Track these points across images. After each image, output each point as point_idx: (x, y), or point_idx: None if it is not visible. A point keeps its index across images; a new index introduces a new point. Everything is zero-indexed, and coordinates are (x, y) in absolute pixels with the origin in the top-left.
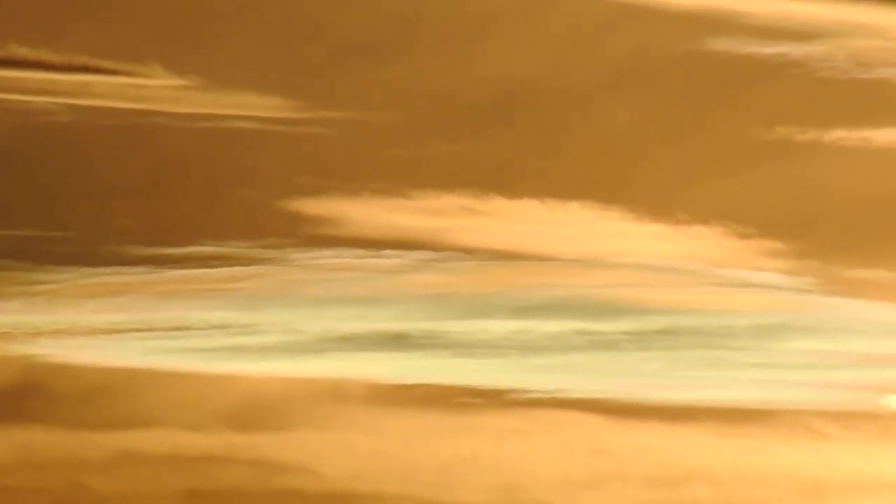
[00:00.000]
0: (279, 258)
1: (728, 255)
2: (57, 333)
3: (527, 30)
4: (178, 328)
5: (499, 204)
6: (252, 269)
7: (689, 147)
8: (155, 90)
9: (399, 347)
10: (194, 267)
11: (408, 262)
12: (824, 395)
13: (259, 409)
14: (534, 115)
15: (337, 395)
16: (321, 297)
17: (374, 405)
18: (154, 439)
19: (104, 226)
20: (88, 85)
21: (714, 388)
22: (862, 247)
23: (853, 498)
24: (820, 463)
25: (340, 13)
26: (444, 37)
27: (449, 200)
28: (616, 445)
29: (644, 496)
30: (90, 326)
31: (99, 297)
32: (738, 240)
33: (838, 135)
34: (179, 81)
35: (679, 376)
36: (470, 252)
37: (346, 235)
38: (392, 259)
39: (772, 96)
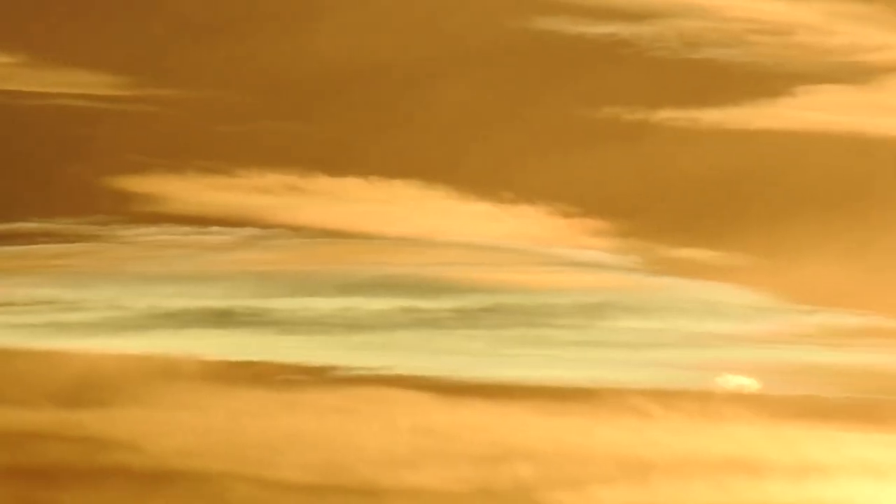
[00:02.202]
0: (105, 235)
1: (552, 234)
2: None
3: (360, 10)
4: (2, 304)
5: (323, 182)
6: (78, 245)
7: (517, 127)
8: None
9: (224, 324)
10: (20, 244)
11: (233, 239)
12: (647, 374)
13: (87, 386)
14: (364, 93)
15: (164, 372)
16: (147, 274)
17: (201, 382)
18: None
19: None
20: None
21: (538, 367)
22: (687, 227)
23: (674, 475)
24: (642, 441)
25: None
26: (279, 16)
27: (274, 178)
28: (440, 423)
29: (467, 474)
30: None
31: None
32: (563, 219)
33: (666, 115)
34: (8, 59)
35: (503, 354)
36: (295, 230)
37: (172, 212)
38: (218, 236)
39: (601, 76)
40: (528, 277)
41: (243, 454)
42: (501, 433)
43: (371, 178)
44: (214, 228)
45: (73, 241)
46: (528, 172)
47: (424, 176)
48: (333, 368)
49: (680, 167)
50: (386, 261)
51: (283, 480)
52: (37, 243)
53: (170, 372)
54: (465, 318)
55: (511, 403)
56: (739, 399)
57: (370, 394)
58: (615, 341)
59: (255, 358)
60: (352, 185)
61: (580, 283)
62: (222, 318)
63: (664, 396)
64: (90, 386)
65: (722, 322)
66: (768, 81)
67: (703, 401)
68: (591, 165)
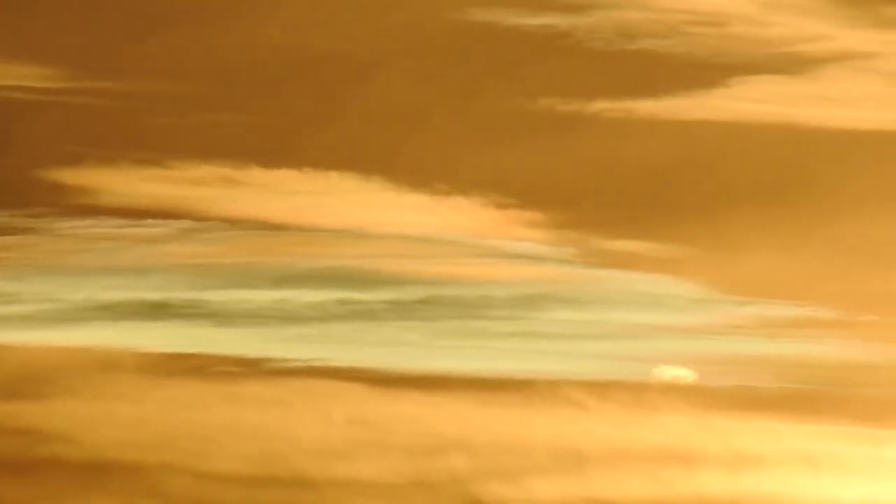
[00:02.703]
0: (41, 228)
1: (488, 226)
2: None
3: (298, 2)
4: None
5: (258, 174)
6: (14, 238)
7: (453, 118)
8: None
9: (160, 316)
10: None
11: (168, 231)
12: (583, 366)
13: (23, 379)
14: (300, 85)
15: (101, 364)
16: (83, 267)
17: (137, 375)
18: None
19: None
20: None
21: (473, 359)
22: (623, 218)
23: (610, 467)
24: (577, 432)
25: None
26: (222, 7)
27: (209, 170)
28: (375, 415)
29: (402, 466)
30: None
31: None
32: (498, 210)
33: (602, 106)
34: None
35: (438, 346)
36: (231, 222)
37: (107, 205)
38: (153, 228)
39: (537, 68)
40: (463, 269)
41: (179, 446)
42: (436, 425)
43: (306, 170)
44: (149, 221)
45: (8, 234)
46: (463, 164)
47: (360, 168)
48: (269, 360)
49: (616, 158)
50: (321, 253)
51: (218, 472)
52: None
53: (106, 364)
54: (401, 310)
55: (446, 395)
56: (675, 390)
57: (305, 385)
58: (551, 333)
59: (191, 350)
60: (287, 177)
61: (516, 275)
62: (158, 311)
63: (600, 388)
64: (26, 378)
65: (658, 314)
66: (704, 72)
67: (638, 392)
68: (526, 157)
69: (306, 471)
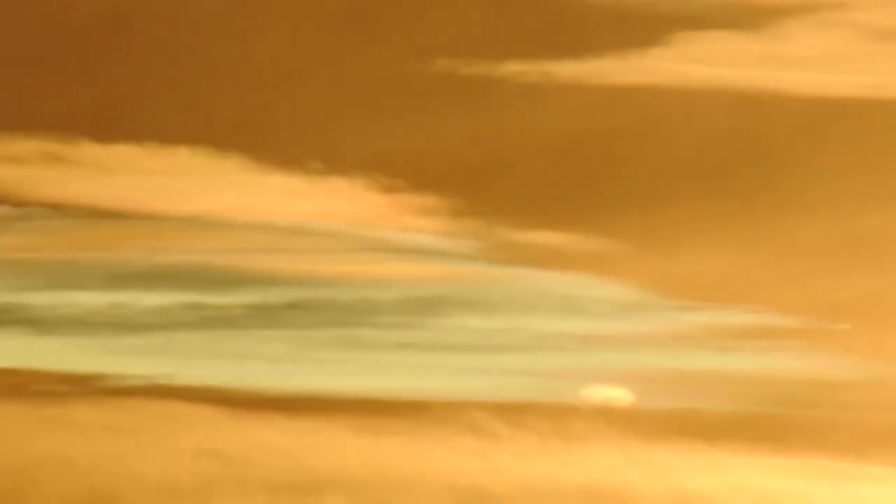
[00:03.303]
0: None
1: (373, 213)
2: None
3: None
4: None
5: (89, 150)
6: None
7: (330, 84)
8: None
9: None
10: None
11: None
12: (490, 384)
13: None
14: (140, 43)
15: None
16: None
17: None
18: None
19: None
20: None
21: (353, 376)
22: (538, 205)
23: None
24: (483, 467)
25: None
26: None
27: (29, 146)
28: (232, 444)
29: None
30: None
31: None
32: (385, 194)
33: (513, 68)
34: None
35: (311, 360)
36: (56, 207)
37: None
38: None
39: (432, 22)
40: (341, 266)
41: None
42: (308, 456)
43: (148, 146)
44: None
45: None
46: (341, 139)
47: (215, 143)
48: (102, 377)
49: (530, 132)
50: (167, 246)
51: None
52: None
53: None
54: (264, 316)
55: (320, 420)
56: (604, 415)
57: (147, 408)
58: (450, 344)
59: (6, 364)
60: (125, 154)
61: (406, 274)
62: None
63: (511, 412)
64: None
65: (582, 321)
66: (639, 27)
67: (558, 417)
68: (420, 130)
69: None
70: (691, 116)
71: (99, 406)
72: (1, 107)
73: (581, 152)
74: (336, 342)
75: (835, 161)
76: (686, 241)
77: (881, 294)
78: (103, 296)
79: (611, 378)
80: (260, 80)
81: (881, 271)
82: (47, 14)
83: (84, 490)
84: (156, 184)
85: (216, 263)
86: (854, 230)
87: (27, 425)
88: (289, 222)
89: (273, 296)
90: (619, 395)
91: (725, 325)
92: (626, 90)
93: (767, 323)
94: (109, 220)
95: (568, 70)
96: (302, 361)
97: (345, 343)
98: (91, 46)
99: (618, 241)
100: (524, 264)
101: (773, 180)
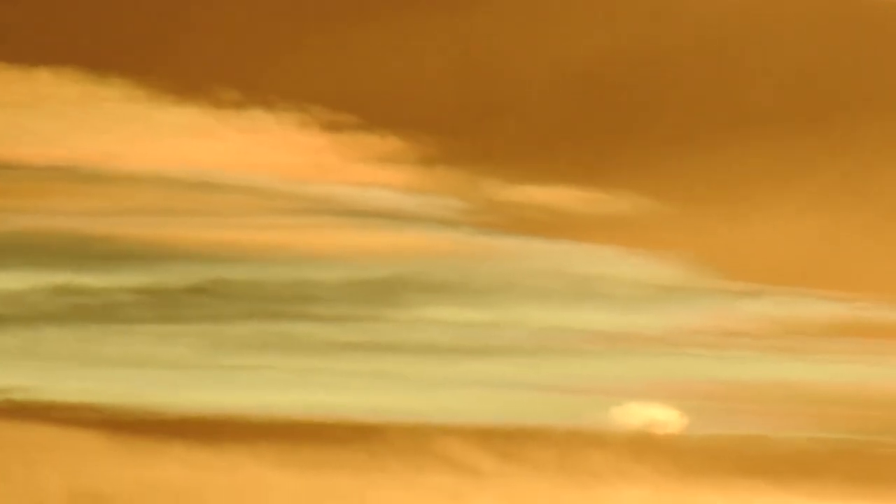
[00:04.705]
0: None
1: (310, 162)
2: None
3: None
4: None
5: None
6: None
7: None
8: None
9: None
10: None
11: None
12: (471, 402)
13: None
14: None
15: None
16: None
17: None
18: None
19: None
20: None
21: (283, 389)
22: (544, 150)
23: None
24: None
25: None
26: None
27: None
28: (115, 484)
29: None
30: None
31: None
32: (329, 135)
33: None
34: None
35: (224, 367)
36: None
37: None
38: None
39: None
40: (266, 236)
41: None
42: (217, 498)
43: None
44: None
45: None
46: (269, 59)
47: (90, 64)
48: None
49: (536, 50)
50: (23, 207)
51: None
52: None
53: None
54: (160, 306)
55: (237, 451)
56: (631, 444)
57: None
58: (417, 344)
59: None
60: None
61: (358, 246)
62: None
63: (500, 440)
64: None
65: (605, 312)
66: None
67: (568, 448)
68: (380, 46)
69: None
70: (771, 36)
71: None
72: None
73: (608, 79)
74: (258, 342)
75: None
76: (752, 203)
77: None
78: None
79: (644, 393)
80: None
81: None
82: None
83: None
84: (4, 121)
85: (92, 231)
86: None
87: None
88: (192, 174)
89: (172, 276)
90: (664, 419)
91: (804, 318)
92: None
93: (862, 317)
94: None
95: None
96: (211, 369)
97: (271, 344)
98: None
99: (656, 200)
100: (523, 232)
101: (876, 125)
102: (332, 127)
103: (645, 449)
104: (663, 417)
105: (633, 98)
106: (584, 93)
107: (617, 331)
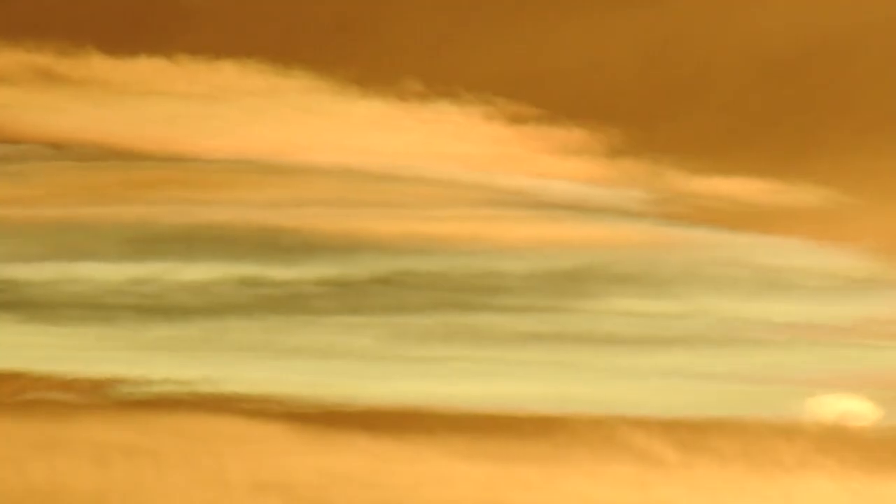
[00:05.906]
0: None
1: (496, 153)
2: None
3: None
4: None
5: (99, 65)
6: None
7: None
8: None
9: None
10: None
11: None
12: (656, 393)
13: None
14: None
15: None
16: None
17: None
18: None
19: None
20: None
21: (468, 380)
22: (732, 141)
23: None
24: (644, 502)
25: None
26: None
27: (18, 57)
28: (299, 474)
29: None
30: None
31: None
32: (513, 126)
33: None
34: None
35: (409, 359)
36: (54, 146)
37: None
38: None
39: None
40: (452, 227)
41: None
42: (403, 491)
43: (179, 60)
44: None
45: None
46: (452, 49)
47: (274, 56)
48: (119, 382)
49: (724, 39)
50: (208, 199)
51: None
52: None
53: None
54: (345, 297)
55: (421, 442)
56: (823, 438)
57: (182, 425)
58: (602, 335)
59: None
60: (145, 70)
61: (544, 237)
62: None
63: (685, 430)
64: None
65: (793, 302)
66: None
67: (753, 439)
68: (562, 39)
69: None
70: None
71: (115, 422)
72: None
73: (801, 67)
74: (443, 334)
75: None
76: None
77: None
78: (122, 268)
79: (832, 384)
80: None
81: None
82: None
83: None
84: (191, 113)
85: (279, 223)
86: None
87: (16, 447)
88: (378, 166)
89: (358, 268)
90: (858, 410)
91: None
92: None
93: None
94: (128, 164)
95: None
96: (396, 360)
97: (456, 335)
98: None
99: (846, 191)
100: (708, 224)
101: None
102: (516, 118)
103: (833, 440)
104: (857, 409)
105: (829, 87)
106: (775, 82)
107: (804, 322)
